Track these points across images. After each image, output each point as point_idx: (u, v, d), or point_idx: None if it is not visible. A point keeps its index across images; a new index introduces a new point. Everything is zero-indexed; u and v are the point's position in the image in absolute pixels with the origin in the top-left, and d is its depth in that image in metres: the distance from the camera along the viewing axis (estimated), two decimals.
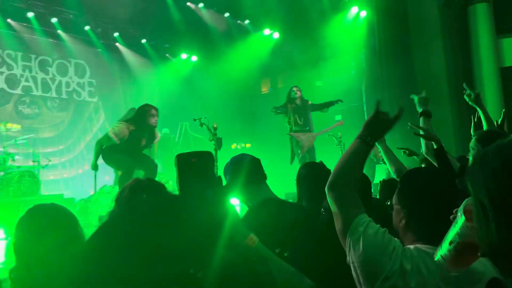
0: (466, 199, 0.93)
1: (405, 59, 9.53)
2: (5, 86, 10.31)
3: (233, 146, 10.55)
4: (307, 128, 7.87)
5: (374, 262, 1.39)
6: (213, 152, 5.91)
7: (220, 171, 0.98)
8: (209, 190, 0.94)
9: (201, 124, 6.17)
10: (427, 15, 9.44)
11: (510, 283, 0.80)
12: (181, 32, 11.02)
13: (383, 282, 1.37)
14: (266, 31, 11.32)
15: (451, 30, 9.60)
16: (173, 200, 0.60)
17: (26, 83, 10.64)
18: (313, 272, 1.05)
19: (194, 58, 12.31)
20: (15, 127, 9.04)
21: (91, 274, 0.56)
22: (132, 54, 12.05)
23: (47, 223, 1.56)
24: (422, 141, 2.90)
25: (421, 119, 2.89)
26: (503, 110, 3.51)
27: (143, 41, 11.83)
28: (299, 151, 7.67)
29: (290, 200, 2.77)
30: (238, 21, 11.33)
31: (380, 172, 8.62)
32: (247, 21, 11.32)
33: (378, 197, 3.47)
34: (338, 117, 8.11)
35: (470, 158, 2.69)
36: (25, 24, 10.17)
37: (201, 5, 10.74)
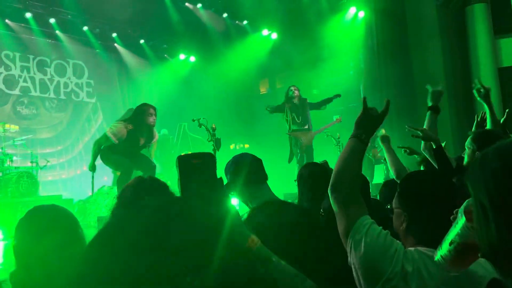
0: (467, 200, 0.93)
1: (403, 60, 9.55)
2: (3, 87, 10.29)
3: (232, 146, 10.55)
4: (306, 126, 7.88)
5: (375, 264, 1.39)
6: (212, 153, 5.90)
7: (219, 172, 0.98)
8: (211, 191, 0.94)
9: (200, 125, 6.16)
10: (425, 15, 9.46)
11: (510, 284, 0.80)
12: (179, 32, 11.02)
13: (384, 284, 1.37)
14: (265, 32, 11.33)
15: (449, 31, 9.62)
16: (174, 202, 0.60)
17: (24, 84, 10.62)
18: (315, 273, 1.05)
19: (192, 58, 12.31)
20: (13, 128, 9.03)
21: (91, 275, 0.56)
22: (130, 55, 12.05)
23: (47, 224, 1.55)
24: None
25: (428, 113, 2.87)
26: (507, 110, 3.51)
27: (141, 41, 11.83)
28: (298, 151, 7.68)
29: (290, 201, 2.77)
30: (236, 22, 11.34)
31: (378, 172, 8.63)
32: (245, 22, 11.33)
33: (378, 198, 3.46)
34: (337, 117, 8.10)
35: (465, 157, 2.70)
36: (23, 25, 10.16)
37: (199, 5, 10.74)
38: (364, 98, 1.64)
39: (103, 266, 0.55)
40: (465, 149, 2.77)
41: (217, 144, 6.09)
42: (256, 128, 10.92)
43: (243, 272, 0.58)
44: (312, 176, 2.59)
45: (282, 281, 0.92)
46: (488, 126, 3.34)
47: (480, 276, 1.36)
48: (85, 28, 10.82)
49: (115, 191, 6.83)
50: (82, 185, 10.47)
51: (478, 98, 3.39)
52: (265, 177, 2.26)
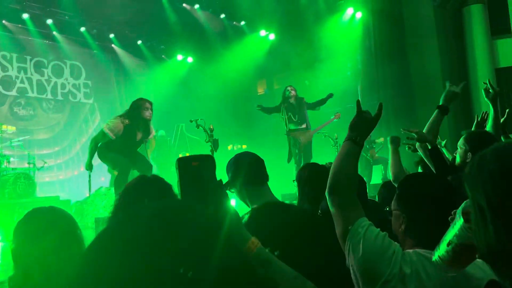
0: (465, 201, 0.93)
1: (401, 60, 9.57)
2: (0, 88, 10.26)
3: (230, 147, 10.55)
4: (304, 125, 7.90)
5: (373, 266, 1.39)
6: (212, 155, 5.89)
7: (218, 174, 0.98)
8: (211, 194, 0.94)
9: (198, 126, 6.16)
10: (422, 16, 9.49)
11: (508, 285, 0.80)
12: (177, 33, 11.02)
13: (382, 286, 1.37)
14: (262, 33, 11.34)
15: (446, 31, 9.65)
16: (173, 205, 0.60)
17: (22, 85, 10.59)
18: (315, 275, 1.05)
19: (190, 59, 12.30)
20: (10, 129, 9.01)
21: (90, 278, 0.55)
22: (128, 56, 12.04)
23: (46, 226, 1.54)
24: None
25: (435, 112, 2.85)
26: (508, 110, 3.51)
27: (139, 42, 11.82)
28: (296, 151, 7.69)
29: (287, 202, 2.77)
30: (234, 22, 11.34)
31: (376, 172, 8.65)
32: (243, 22, 11.33)
33: (376, 199, 3.46)
34: (336, 113, 8.12)
35: (457, 157, 2.71)
36: (20, 26, 10.13)
37: (196, 6, 10.74)
38: (358, 101, 1.66)
39: (102, 268, 0.54)
40: (457, 148, 2.77)
41: (215, 145, 6.08)
42: (253, 129, 10.92)
43: (242, 274, 0.58)
44: (313, 176, 2.59)
45: (282, 283, 0.92)
46: (488, 127, 3.34)
47: (478, 278, 1.36)
48: (83, 29, 10.80)
49: (112, 192, 6.82)
50: (80, 186, 10.44)
51: (486, 99, 3.38)
52: (265, 178, 2.24)
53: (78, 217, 7.08)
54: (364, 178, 2.94)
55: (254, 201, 2.14)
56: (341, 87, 9.68)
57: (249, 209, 2.17)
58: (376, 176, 8.55)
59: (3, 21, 9.92)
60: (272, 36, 11.32)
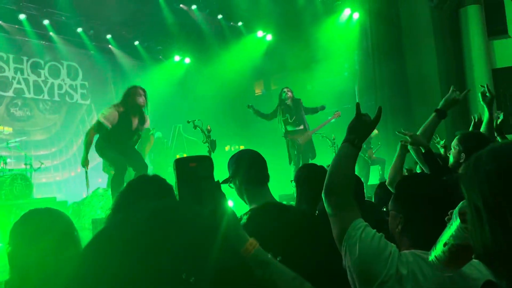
0: (462, 201, 0.93)
1: (398, 61, 9.60)
2: None
3: (227, 148, 10.54)
4: (301, 126, 7.89)
5: (370, 267, 1.40)
6: (209, 156, 5.88)
7: (216, 174, 0.97)
8: (208, 195, 0.94)
9: (195, 126, 6.16)
10: (419, 16, 9.52)
11: (504, 286, 0.81)
12: (174, 34, 11.01)
13: (379, 287, 1.38)
14: (259, 33, 11.34)
15: (443, 32, 9.68)
16: (170, 206, 0.60)
17: (18, 86, 10.56)
18: (313, 276, 1.05)
19: (187, 60, 12.30)
20: (7, 130, 8.97)
21: (87, 279, 0.55)
22: (125, 56, 12.02)
23: (43, 228, 1.52)
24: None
25: (432, 115, 2.85)
26: (502, 112, 3.52)
27: (136, 43, 11.79)
28: (295, 152, 7.69)
29: (285, 202, 2.77)
30: (231, 23, 11.34)
31: (374, 173, 8.66)
32: (240, 23, 11.33)
33: (373, 199, 3.47)
34: (335, 112, 8.13)
35: (451, 157, 2.72)
36: (16, 26, 10.10)
37: (194, 7, 10.73)
38: (358, 104, 1.67)
39: (101, 268, 0.54)
40: (451, 148, 2.78)
41: (212, 145, 6.08)
42: (251, 129, 10.93)
43: (239, 275, 0.58)
44: (311, 177, 2.59)
45: (281, 284, 0.92)
46: (482, 130, 3.36)
47: (474, 278, 1.36)
48: (79, 29, 10.78)
49: (109, 193, 6.80)
50: (76, 187, 10.42)
51: (482, 102, 3.40)
52: (265, 179, 2.21)
53: (75, 218, 7.06)
54: (362, 179, 2.94)
55: (253, 201, 2.13)
56: (338, 88, 9.69)
57: (247, 208, 2.17)
58: (374, 177, 8.56)
59: (0, 22, 9.89)
60: (269, 37, 11.33)
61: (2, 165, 7.87)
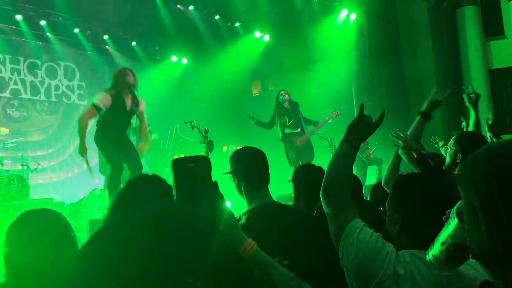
0: (460, 201, 0.94)
1: (395, 61, 9.62)
2: None
3: (224, 148, 10.54)
4: (299, 129, 7.90)
5: (367, 267, 1.40)
6: (207, 156, 5.87)
7: (214, 175, 0.97)
8: (206, 195, 0.94)
9: (192, 127, 6.16)
10: (416, 17, 9.54)
11: (501, 286, 0.81)
12: (171, 34, 11.00)
13: (376, 287, 1.38)
14: (257, 34, 11.34)
15: (440, 32, 9.71)
16: (168, 207, 0.60)
17: (15, 86, 10.53)
18: (312, 276, 1.05)
19: (184, 60, 12.29)
20: (3, 130, 8.95)
21: (87, 278, 0.55)
22: (122, 57, 12.00)
23: (39, 230, 1.50)
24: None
25: (417, 118, 2.87)
26: (491, 113, 3.53)
27: (133, 43, 11.78)
28: (293, 155, 7.69)
29: (283, 203, 2.77)
30: (229, 24, 11.34)
31: (371, 173, 8.68)
32: (237, 24, 11.33)
33: (368, 199, 3.48)
34: (333, 111, 8.14)
35: (447, 157, 2.72)
36: (13, 27, 10.08)
37: (191, 7, 10.73)
38: (362, 104, 1.66)
39: (97, 270, 0.54)
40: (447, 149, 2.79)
41: (210, 146, 6.08)
42: (248, 130, 10.92)
43: (238, 275, 0.58)
44: (309, 177, 2.59)
45: (279, 284, 0.92)
46: (470, 129, 3.37)
47: (471, 278, 1.37)
48: (76, 30, 10.75)
49: (106, 194, 6.79)
50: (73, 188, 10.40)
51: (467, 103, 3.41)
52: (265, 181, 2.19)
53: (72, 219, 7.04)
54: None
55: (251, 202, 2.13)
56: (335, 89, 9.70)
57: (246, 208, 2.16)
58: (371, 177, 8.58)
59: None
60: (266, 38, 11.33)
61: None
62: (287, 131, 7.84)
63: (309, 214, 1.91)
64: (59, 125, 11.29)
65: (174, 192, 0.94)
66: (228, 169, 2.32)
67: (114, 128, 5.60)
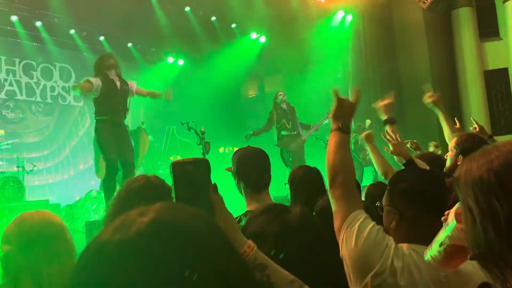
0: (459, 202, 0.94)
1: (391, 62, 9.65)
2: None
3: (221, 150, 10.53)
4: (295, 132, 7.91)
5: (365, 258, 1.40)
6: (207, 158, 5.87)
7: (213, 177, 0.97)
8: (206, 197, 0.94)
9: (189, 128, 6.16)
10: (412, 18, 9.58)
11: (499, 287, 0.81)
12: (167, 36, 10.98)
13: (372, 279, 1.38)
14: (253, 35, 11.35)
15: (436, 33, 9.75)
16: (168, 209, 0.59)
17: (10, 88, 10.48)
18: (314, 279, 1.05)
19: (180, 62, 12.27)
20: None
21: (89, 285, 0.55)
22: (118, 58, 11.94)
23: (35, 232, 1.49)
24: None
25: (386, 127, 2.89)
26: (473, 120, 3.52)
27: (129, 44, 11.75)
28: (290, 158, 7.71)
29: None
30: (225, 25, 11.34)
31: (368, 174, 8.69)
32: (233, 25, 11.33)
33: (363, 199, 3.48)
34: (328, 111, 8.14)
35: (448, 159, 2.73)
36: (8, 28, 10.03)
37: (187, 8, 10.72)
38: (335, 90, 1.67)
39: (99, 275, 0.54)
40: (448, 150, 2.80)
41: (206, 147, 6.08)
42: (245, 131, 10.91)
43: (238, 278, 0.58)
44: (305, 178, 2.59)
45: (279, 287, 0.92)
46: (446, 134, 3.37)
47: (468, 273, 1.37)
48: (72, 31, 10.71)
49: (102, 196, 6.77)
50: (69, 190, 10.36)
51: (428, 106, 3.41)
52: (265, 185, 2.18)
53: (68, 221, 7.02)
54: None
55: (250, 203, 2.13)
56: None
57: (245, 209, 2.16)
58: (367, 178, 8.59)
59: None
60: (263, 39, 11.34)
61: None
62: (284, 133, 7.86)
63: (310, 215, 1.91)
64: (54, 126, 11.24)
65: (173, 194, 0.94)
66: (224, 169, 2.32)
67: (111, 111, 5.62)
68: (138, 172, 6.73)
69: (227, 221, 0.96)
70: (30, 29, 10.23)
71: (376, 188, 3.22)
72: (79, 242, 1.65)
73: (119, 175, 5.65)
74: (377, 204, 1.68)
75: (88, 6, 9.48)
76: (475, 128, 3.36)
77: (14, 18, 9.84)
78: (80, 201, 8.19)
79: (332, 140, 1.59)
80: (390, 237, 1.47)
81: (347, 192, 1.51)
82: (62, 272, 1.41)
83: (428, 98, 3.42)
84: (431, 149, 4.49)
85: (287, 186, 2.78)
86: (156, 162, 9.93)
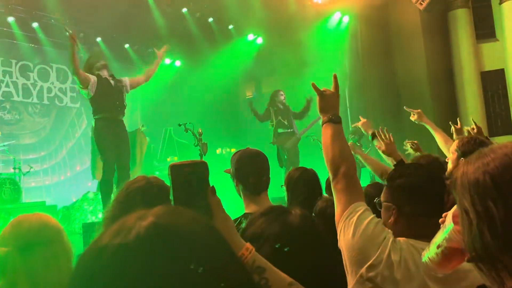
0: (456, 204, 0.95)
1: (387, 62, 9.67)
2: None
3: (218, 151, 10.52)
4: (291, 130, 7.97)
5: (361, 250, 1.40)
6: (199, 158, 5.89)
7: (212, 180, 0.97)
8: (204, 200, 0.94)
9: (186, 130, 6.15)
10: (409, 19, 9.59)
11: None
12: (164, 37, 10.96)
13: (368, 270, 1.38)
14: (250, 36, 11.35)
15: (432, 34, 9.77)
16: (169, 212, 0.60)
17: (7, 89, 10.45)
18: (313, 280, 1.05)
19: (178, 63, 12.26)
20: None
21: None
22: (115, 59, 11.94)
23: (31, 235, 1.49)
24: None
25: (374, 141, 2.95)
26: (472, 121, 3.55)
27: (126, 46, 11.73)
28: (285, 157, 7.73)
29: None
30: (222, 26, 11.34)
31: (365, 175, 8.70)
32: (230, 26, 11.33)
33: None
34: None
35: (449, 162, 2.74)
36: (5, 29, 9.99)
37: (184, 9, 10.71)
38: (313, 84, 1.69)
39: (98, 283, 0.53)
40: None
41: (204, 148, 6.08)
42: (242, 132, 10.92)
43: (236, 281, 0.58)
44: (302, 180, 2.59)
45: None
46: (439, 143, 3.42)
47: (464, 270, 1.37)
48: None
49: (99, 197, 6.75)
50: (66, 191, 10.33)
51: (416, 122, 3.55)
52: (263, 188, 2.18)
53: (65, 223, 7.00)
54: None
55: (248, 205, 2.13)
56: None
57: (243, 211, 2.16)
58: (365, 179, 8.59)
59: None
60: (260, 40, 11.34)
61: None
62: (280, 130, 7.91)
63: (310, 216, 1.91)
64: (51, 127, 11.21)
65: (171, 197, 0.94)
66: (223, 171, 2.32)
67: (109, 108, 5.67)
68: (135, 173, 6.72)
69: (225, 224, 0.96)
70: (27, 30, 10.20)
71: (374, 188, 3.24)
72: (76, 244, 1.64)
73: (114, 177, 5.64)
74: (376, 200, 1.69)
75: (85, 7, 9.46)
76: (473, 128, 3.38)
77: (10, 19, 9.81)
78: (77, 202, 8.17)
79: (325, 133, 1.60)
80: (389, 230, 1.47)
81: (350, 183, 1.51)
82: (59, 275, 1.41)
83: (412, 117, 3.56)
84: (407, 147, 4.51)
85: (284, 188, 2.78)
86: (152, 164, 9.91)
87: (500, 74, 9.93)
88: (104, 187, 5.55)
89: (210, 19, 11.09)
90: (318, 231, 1.22)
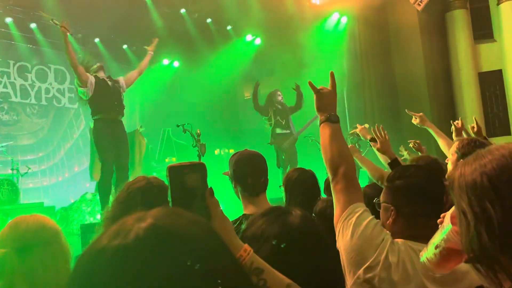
0: (454, 206, 0.95)
1: (385, 63, 9.69)
2: None
3: (217, 152, 10.52)
4: (289, 130, 7.98)
5: (359, 251, 1.40)
6: (197, 159, 5.89)
7: (210, 181, 0.98)
8: (202, 201, 0.94)
9: (184, 130, 6.15)
10: (407, 20, 9.62)
11: None
12: (162, 37, 10.96)
13: (365, 271, 1.38)
14: (248, 37, 11.35)
15: (430, 35, 9.79)
16: (167, 214, 0.60)
17: (4, 90, 10.43)
18: (312, 281, 1.05)
19: (176, 63, 12.26)
20: None
21: None
22: (113, 60, 11.93)
23: (30, 237, 1.49)
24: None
25: (373, 146, 2.95)
26: (474, 120, 3.57)
27: (124, 46, 11.72)
28: (283, 157, 7.74)
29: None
30: (220, 27, 11.34)
31: (363, 176, 8.70)
32: (229, 27, 11.33)
33: None
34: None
35: (449, 164, 2.74)
36: (3, 30, 9.98)
37: (183, 10, 10.71)
38: (310, 82, 1.67)
39: (95, 281, 0.53)
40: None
41: (202, 149, 6.07)
42: (240, 133, 10.92)
43: (235, 282, 0.58)
44: (300, 181, 2.59)
45: None
46: (441, 145, 3.43)
47: (463, 271, 1.38)
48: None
49: (98, 198, 6.75)
50: (64, 192, 10.31)
51: (419, 125, 3.57)
52: (262, 189, 2.17)
53: (63, 224, 6.99)
54: None
55: (247, 207, 2.12)
56: None
57: (241, 212, 2.16)
58: (363, 181, 8.61)
59: None
60: (258, 41, 11.35)
61: None
62: (278, 131, 7.93)
63: (310, 217, 1.92)
64: (49, 128, 11.19)
65: (169, 198, 0.94)
66: (221, 172, 2.32)
67: (108, 109, 5.70)
68: (135, 174, 6.71)
69: (223, 225, 0.96)
70: (25, 31, 10.18)
71: (372, 189, 3.24)
72: (74, 245, 1.64)
73: (113, 178, 5.64)
74: (375, 200, 1.69)
75: (83, 8, 9.45)
76: (473, 127, 3.39)
77: (8, 20, 9.79)
78: (75, 203, 8.16)
79: (323, 132, 1.58)
80: (388, 232, 1.47)
81: (349, 183, 1.50)
82: (57, 276, 1.41)
83: (414, 121, 3.57)
84: (403, 153, 4.55)
85: (282, 189, 2.78)
86: (151, 165, 9.90)
87: (498, 74, 9.96)
88: (103, 188, 5.54)
89: (209, 20, 11.09)
90: (318, 231, 1.22)
